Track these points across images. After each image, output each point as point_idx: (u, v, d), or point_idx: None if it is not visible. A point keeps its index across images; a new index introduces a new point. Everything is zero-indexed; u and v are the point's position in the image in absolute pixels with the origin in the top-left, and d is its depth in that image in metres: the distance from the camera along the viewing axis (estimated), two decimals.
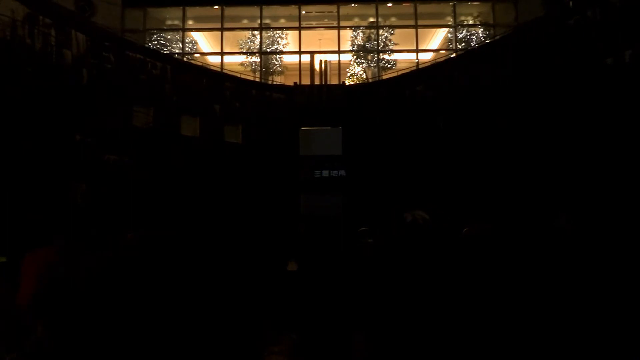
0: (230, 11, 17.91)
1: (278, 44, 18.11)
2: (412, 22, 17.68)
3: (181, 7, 17.69)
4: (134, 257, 3.63)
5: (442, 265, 2.82)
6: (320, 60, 16.83)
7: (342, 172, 14.90)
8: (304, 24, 18.08)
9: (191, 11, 18.01)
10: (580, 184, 8.22)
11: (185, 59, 17.06)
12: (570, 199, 8.12)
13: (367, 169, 14.54)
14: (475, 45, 16.92)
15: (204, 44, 19.16)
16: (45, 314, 2.59)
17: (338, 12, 17.75)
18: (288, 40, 18.31)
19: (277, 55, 18.21)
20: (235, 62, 18.05)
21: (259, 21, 17.92)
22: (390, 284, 2.91)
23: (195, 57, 17.78)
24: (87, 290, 2.85)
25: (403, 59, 18.05)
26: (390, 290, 2.90)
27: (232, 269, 4.10)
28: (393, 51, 17.86)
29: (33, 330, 2.43)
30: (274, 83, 17.08)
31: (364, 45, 17.86)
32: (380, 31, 17.78)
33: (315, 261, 4.88)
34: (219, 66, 17.11)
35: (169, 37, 17.80)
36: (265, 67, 17.98)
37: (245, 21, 18.46)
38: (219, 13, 17.77)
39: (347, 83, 16.99)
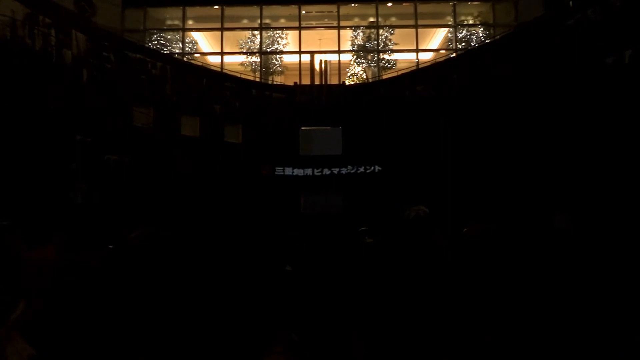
0: (230, 11, 17.91)
1: (278, 43, 18.11)
2: (412, 22, 17.68)
3: (181, 7, 17.69)
4: (134, 257, 3.63)
5: (443, 264, 2.83)
6: (320, 60, 16.83)
7: (342, 172, 14.90)
8: (304, 24, 18.07)
9: (191, 11, 18.01)
10: (580, 184, 8.22)
11: (185, 59, 17.05)
12: (571, 199, 8.12)
13: (368, 169, 14.54)
14: (475, 45, 16.92)
15: (204, 44, 19.16)
16: (43, 307, 2.60)
17: (338, 11, 17.75)
18: (288, 40, 18.30)
19: (277, 55, 18.20)
20: (235, 62, 18.04)
21: (259, 21, 17.92)
22: (390, 284, 2.91)
23: (195, 57, 17.78)
24: (87, 287, 2.86)
25: (403, 58, 18.05)
26: (389, 289, 2.90)
27: (232, 268, 4.10)
28: (393, 51, 17.86)
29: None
30: (274, 83, 17.08)
31: (364, 45, 17.85)
32: (380, 31, 17.78)
33: (315, 261, 4.88)
34: (219, 66, 17.11)
35: (169, 37, 17.80)
36: (265, 67, 17.97)
37: (245, 21, 18.45)
38: (219, 13, 17.76)
39: (347, 83, 16.99)
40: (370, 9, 17.87)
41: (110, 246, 4.17)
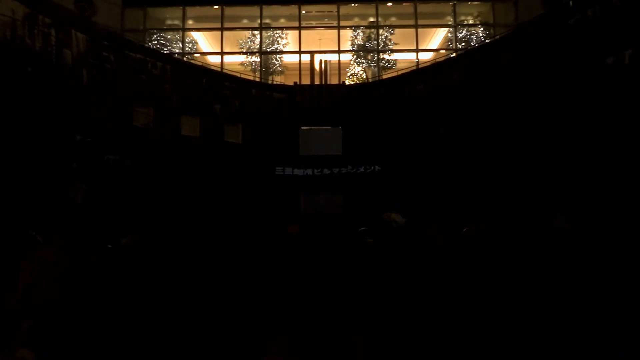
0: (230, 11, 17.90)
1: (278, 43, 18.10)
2: (412, 22, 17.67)
3: (181, 7, 17.68)
4: (134, 257, 3.63)
5: (443, 264, 2.83)
6: (320, 60, 16.82)
7: (342, 172, 14.89)
8: (304, 24, 18.06)
9: (191, 11, 18.00)
10: (580, 185, 8.21)
11: (185, 59, 17.04)
12: (571, 199, 8.12)
13: (368, 169, 14.54)
14: (475, 44, 16.91)
15: (204, 43, 19.15)
16: (40, 311, 2.60)
17: (338, 11, 17.74)
18: (288, 40, 18.29)
19: (277, 55, 18.20)
20: (235, 62, 18.04)
21: (259, 21, 17.91)
22: (390, 283, 2.91)
23: (195, 57, 17.77)
24: (87, 287, 2.85)
25: (403, 58, 18.04)
26: (389, 289, 2.90)
27: (232, 268, 4.10)
28: (393, 51, 17.85)
29: (21, 325, 2.46)
30: (274, 83, 17.07)
31: (364, 45, 17.84)
32: (380, 31, 17.77)
33: (316, 261, 4.88)
34: (219, 66, 17.10)
35: (169, 37, 17.79)
36: (265, 67, 17.96)
37: (245, 21, 18.45)
38: (219, 13, 17.76)
39: (347, 83, 16.98)
40: (370, 8, 17.86)
41: (110, 246, 4.18)
